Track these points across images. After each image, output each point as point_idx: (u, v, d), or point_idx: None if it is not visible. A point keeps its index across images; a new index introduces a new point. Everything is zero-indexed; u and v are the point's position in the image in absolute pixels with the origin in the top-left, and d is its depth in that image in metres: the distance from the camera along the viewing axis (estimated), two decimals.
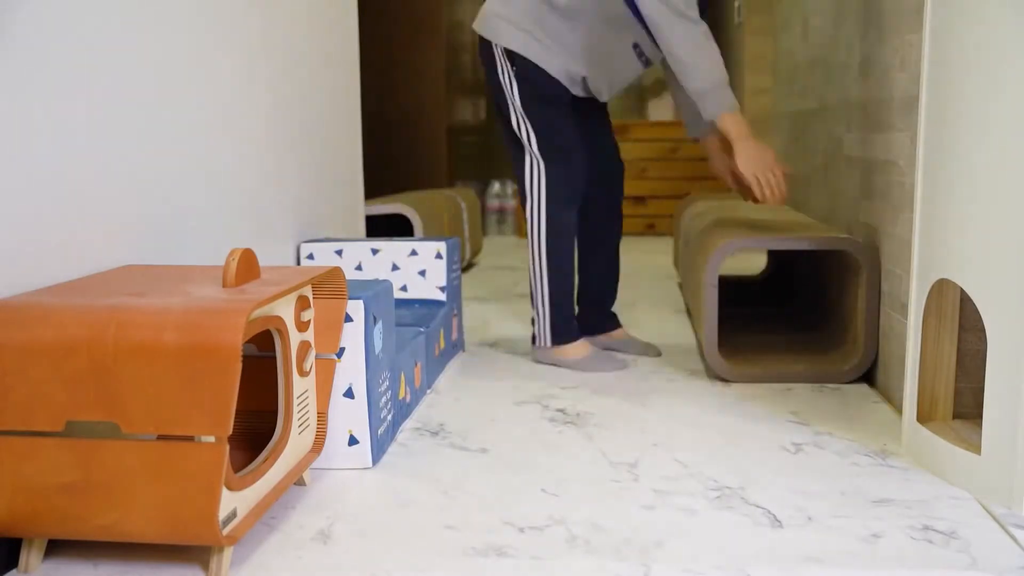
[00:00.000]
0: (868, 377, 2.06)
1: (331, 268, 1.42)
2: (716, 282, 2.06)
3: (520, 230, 5.32)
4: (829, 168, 2.57)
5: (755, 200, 2.04)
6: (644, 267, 4.06)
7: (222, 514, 1.12)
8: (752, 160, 1.97)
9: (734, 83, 4.92)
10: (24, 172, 1.22)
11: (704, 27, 1.97)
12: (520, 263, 4.20)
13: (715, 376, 2.10)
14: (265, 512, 1.29)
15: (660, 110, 6.31)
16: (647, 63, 2.17)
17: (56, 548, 1.24)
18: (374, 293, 1.56)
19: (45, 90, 1.26)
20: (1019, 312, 1.32)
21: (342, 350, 1.51)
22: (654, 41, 2.07)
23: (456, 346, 2.33)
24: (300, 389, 1.37)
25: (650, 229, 5.28)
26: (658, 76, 6.37)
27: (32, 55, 1.24)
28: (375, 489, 1.45)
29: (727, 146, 2.08)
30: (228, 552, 1.15)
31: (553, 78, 2.12)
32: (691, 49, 1.96)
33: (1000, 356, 1.35)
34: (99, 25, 1.39)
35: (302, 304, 1.37)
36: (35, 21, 1.25)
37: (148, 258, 1.53)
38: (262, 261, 2.02)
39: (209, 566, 1.14)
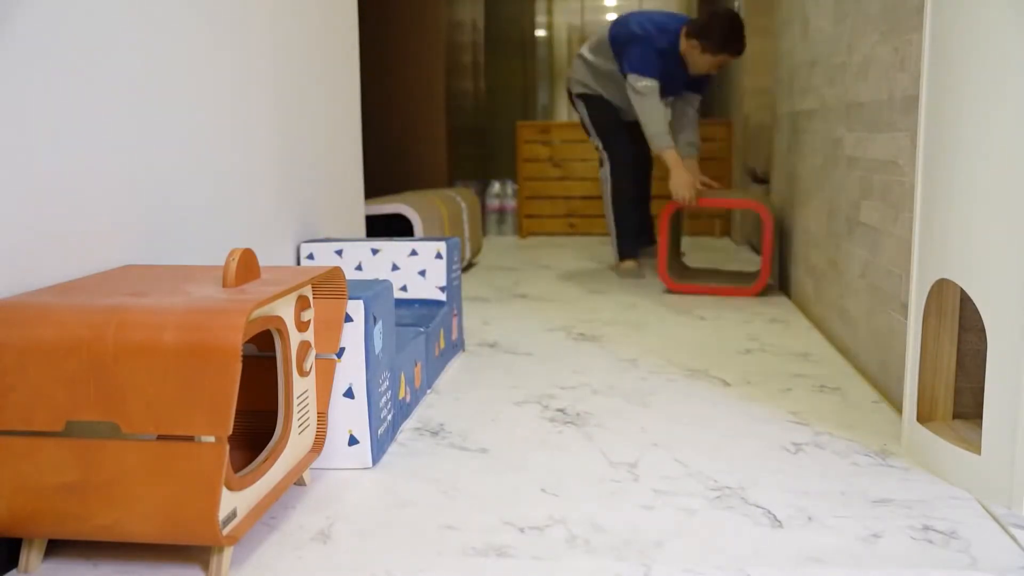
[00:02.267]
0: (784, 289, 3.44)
1: (331, 268, 1.42)
2: (667, 221, 3.28)
3: (520, 230, 5.32)
4: (829, 168, 2.57)
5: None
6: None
7: (222, 514, 1.12)
8: (675, 185, 3.31)
9: (734, 83, 4.92)
10: (23, 171, 1.22)
11: (648, 98, 3.40)
12: (520, 263, 4.20)
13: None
14: (265, 512, 1.29)
15: None
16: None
17: (56, 548, 1.24)
18: (374, 293, 1.56)
19: (44, 88, 1.26)
20: (1019, 312, 1.32)
21: (342, 350, 1.51)
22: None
23: (456, 346, 2.33)
24: (300, 389, 1.37)
25: None
26: None
27: (32, 54, 1.24)
28: (375, 489, 1.45)
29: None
30: (228, 552, 1.15)
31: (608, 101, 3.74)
32: (642, 112, 3.42)
33: (1000, 356, 1.35)
34: (98, 23, 1.39)
35: (302, 304, 1.37)
36: (35, 19, 1.25)
37: (148, 258, 1.53)
38: (262, 261, 2.02)
39: (209, 566, 1.14)
